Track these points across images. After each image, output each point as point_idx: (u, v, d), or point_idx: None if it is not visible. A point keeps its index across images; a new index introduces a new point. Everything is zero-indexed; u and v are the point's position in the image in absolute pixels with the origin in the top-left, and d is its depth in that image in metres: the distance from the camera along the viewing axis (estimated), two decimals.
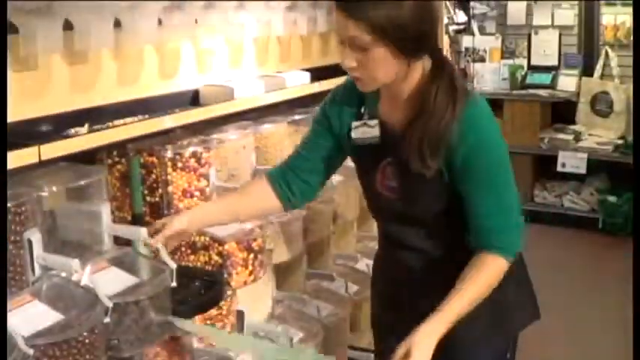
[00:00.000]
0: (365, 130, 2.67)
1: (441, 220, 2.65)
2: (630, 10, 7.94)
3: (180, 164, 3.01)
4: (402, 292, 2.81)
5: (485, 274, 2.53)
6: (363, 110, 2.70)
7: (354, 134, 2.69)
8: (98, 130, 2.79)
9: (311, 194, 2.88)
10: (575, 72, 8.27)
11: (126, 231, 2.79)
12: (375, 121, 2.65)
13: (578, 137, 7.95)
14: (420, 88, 2.53)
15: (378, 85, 2.55)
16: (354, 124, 2.69)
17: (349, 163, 2.94)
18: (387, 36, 2.39)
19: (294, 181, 2.79)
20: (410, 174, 2.55)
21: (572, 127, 8.13)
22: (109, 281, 2.49)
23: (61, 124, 2.73)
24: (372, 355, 3.39)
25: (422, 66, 2.53)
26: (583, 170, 7.82)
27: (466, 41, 8.30)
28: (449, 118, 2.46)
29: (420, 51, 2.48)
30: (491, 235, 2.55)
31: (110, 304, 2.34)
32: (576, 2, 8.32)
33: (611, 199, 7.70)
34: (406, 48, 2.43)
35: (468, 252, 2.56)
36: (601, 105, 8.04)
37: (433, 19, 2.48)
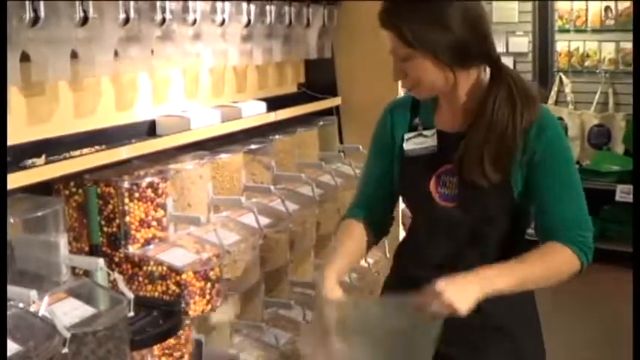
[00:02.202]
0: (420, 141, 2.62)
1: (498, 226, 2.56)
2: (583, 37, 8.07)
3: (137, 194, 3.01)
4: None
5: (553, 260, 2.45)
6: (417, 121, 2.66)
7: (406, 146, 2.65)
8: (55, 161, 2.80)
9: (384, 227, 2.84)
10: None
11: (83, 262, 2.80)
12: (432, 131, 2.61)
13: None
14: (478, 97, 2.51)
15: (431, 93, 2.55)
16: (407, 135, 2.65)
17: (305, 191, 2.97)
18: (422, 47, 2.39)
19: (372, 216, 2.75)
20: (469, 181, 2.50)
21: None
22: (66, 312, 2.49)
23: (18, 155, 2.72)
24: None
25: (478, 74, 2.51)
26: None
27: None
28: (511, 131, 2.44)
29: (466, 60, 2.46)
30: (568, 232, 2.46)
31: (68, 335, 2.34)
32: (530, 29, 8.41)
33: None
34: (447, 57, 2.41)
35: None
36: None
37: (477, 27, 2.45)
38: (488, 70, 2.52)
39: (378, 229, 2.78)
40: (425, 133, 2.61)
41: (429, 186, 2.59)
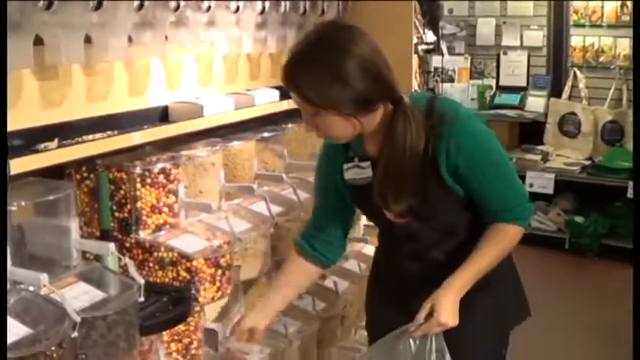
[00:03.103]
0: (357, 172, 2.80)
1: (453, 222, 2.81)
2: (599, 32, 8.02)
3: (149, 180, 3.01)
4: (404, 294, 2.91)
5: (502, 242, 2.73)
6: (351, 152, 2.80)
7: (346, 176, 2.83)
8: (67, 145, 2.79)
9: (340, 249, 3.07)
10: (544, 93, 8.32)
11: (94, 246, 2.80)
12: (366, 163, 2.77)
13: (545, 158, 7.98)
14: (386, 127, 2.63)
15: (346, 139, 2.67)
16: (345, 166, 2.82)
17: (312, 178, 2.99)
18: (325, 105, 2.50)
19: (319, 244, 2.98)
20: (423, 195, 2.68)
21: (540, 147, 8.17)
22: (77, 296, 2.50)
23: (30, 139, 2.72)
24: None
25: (383, 110, 2.62)
26: (550, 190, 7.85)
27: (435, 61, 8.31)
28: (411, 154, 2.60)
29: (369, 107, 2.57)
30: (508, 213, 2.72)
31: (78, 319, 2.34)
32: (545, 23, 8.37)
33: (578, 219, 7.73)
34: (351, 110, 2.52)
35: (467, 254, 2.72)
36: (569, 126, 8.09)
37: (376, 75, 2.53)
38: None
39: (324, 256, 3.00)
40: (361, 164, 2.79)
41: (380, 209, 2.80)
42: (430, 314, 2.66)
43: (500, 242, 2.73)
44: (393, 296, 3.00)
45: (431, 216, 2.78)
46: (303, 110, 2.59)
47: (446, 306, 2.64)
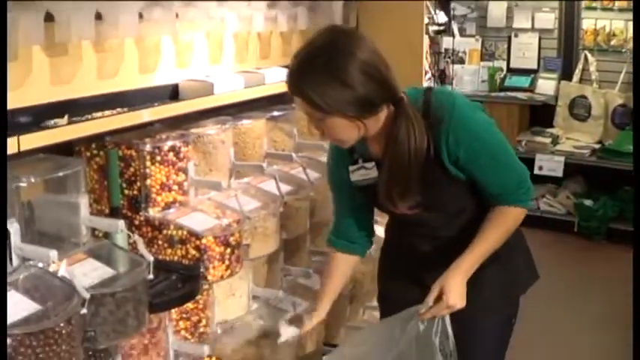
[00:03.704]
0: (362, 173, 2.86)
1: (461, 208, 2.87)
2: (610, 15, 7.98)
3: (158, 158, 3.00)
4: (416, 269, 3.00)
5: (505, 224, 2.80)
6: (356, 154, 2.85)
7: (352, 177, 2.88)
8: (77, 122, 2.78)
9: (370, 234, 3.18)
10: (554, 75, 8.28)
11: (103, 223, 2.80)
12: (371, 164, 2.83)
13: (555, 141, 7.96)
14: (389, 125, 2.68)
15: (351, 143, 2.71)
16: (351, 168, 2.87)
17: (322, 158, 3.00)
18: (331, 110, 2.54)
19: (347, 234, 3.10)
20: (431, 187, 2.74)
21: (550, 130, 8.15)
22: (86, 273, 2.50)
23: (40, 116, 2.72)
24: None
25: (386, 111, 2.66)
26: (560, 173, 7.84)
27: (446, 42, 8.30)
28: (415, 152, 2.65)
29: (373, 110, 2.61)
30: (510, 196, 2.78)
31: (87, 296, 2.34)
32: (556, 6, 8.33)
33: (587, 202, 7.72)
34: (356, 113, 2.57)
35: (475, 230, 2.80)
36: (579, 109, 8.06)
37: (378, 78, 2.57)
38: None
39: (361, 245, 3.16)
40: (366, 165, 2.85)
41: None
42: (439, 297, 2.73)
43: (503, 224, 2.80)
44: (405, 271, 3.07)
45: (439, 206, 2.85)
46: (309, 115, 2.64)
47: (454, 289, 2.73)
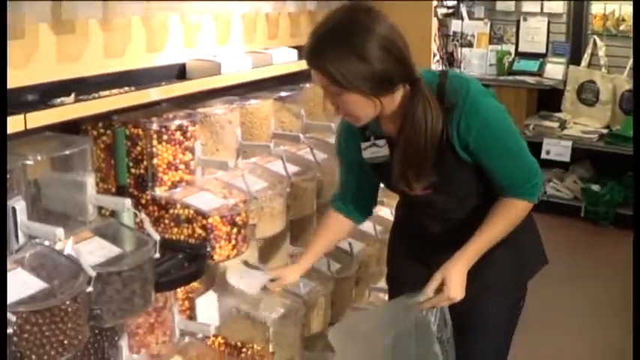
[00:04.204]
0: (374, 150, 2.87)
1: (471, 191, 2.87)
2: (619, 0, 7.95)
3: (165, 137, 3.00)
4: (425, 249, 3.02)
5: (510, 216, 2.81)
6: (368, 131, 2.85)
7: (364, 154, 2.89)
8: (84, 100, 2.77)
9: (369, 210, 3.24)
10: (563, 60, 8.28)
11: (110, 202, 2.79)
12: (383, 141, 2.84)
13: (563, 125, 7.96)
14: (403, 107, 2.68)
15: (366, 120, 2.71)
16: (363, 145, 2.88)
17: (334, 140, 2.99)
18: (349, 85, 2.54)
19: (351, 202, 3.14)
20: (441, 170, 2.75)
21: (558, 114, 8.14)
22: (92, 251, 2.50)
23: (47, 94, 2.71)
24: None
25: (402, 91, 2.67)
26: (567, 158, 7.84)
27: (454, 25, 8.28)
28: (430, 128, 2.65)
29: (390, 87, 2.61)
30: (518, 188, 2.78)
31: (93, 274, 2.34)
32: None
33: (595, 187, 7.72)
34: (374, 90, 2.57)
35: (485, 213, 2.82)
36: (587, 94, 8.05)
37: (397, 56, 2.57)
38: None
39: (361, 214, 3.20)
40: (377, 142, 2.86)
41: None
42: (439, 287, 2.78)
43: (508, 217, 2.81)
44: (415, 252, 3.08)
45: (450, 189, 2.85)
46: (325, 90, 2.63)
47: (455, 280, 2.77)
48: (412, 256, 3.09)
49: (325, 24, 2.60)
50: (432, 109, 2.64)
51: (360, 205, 3.15)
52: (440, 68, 7.80)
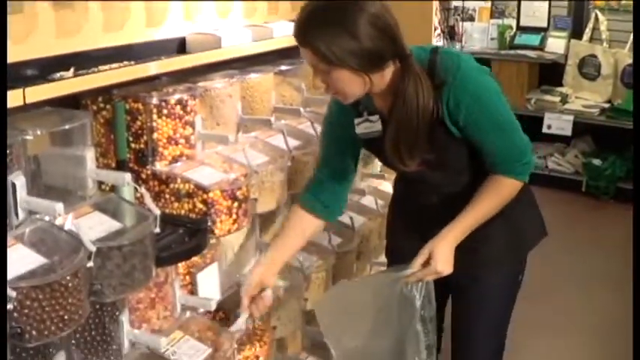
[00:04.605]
0: (367, 125, 2.86)
1: (464, 166, 2.88)
2: None
3: (165, 111, 2.98)
4: (422, 222, 3.01)
5: (500, 193, 2.82)
6: (361, 107, 2.84)
7: (357, 130, 2.88)
8: (84, 74, 2.76)
9: (342, 203, 3.16)
10: (564, 34, 8.26)
11: (110, 176, 2.78)
12: (376, 117, 2.84)
13: (564, 99, 7.95)
14: (394, 84, 2.69)
15: (355, 98, 2.71)
16: (356, 120, 2.87)
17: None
18: (339, 62, 2.54)
19: (324, 195, 3.06)
20: (433, 146, 2.75)
21: (559, 89, 8.13)
22: (92, 226, 2.49)
23: (46, 69, 2.70)
24: None
25: (392, 68, 2.67)
26: (568, 132, 7.84)
27: None
28: (421, 106, 2.66)
29: (380, 65, 2.62)
30: (508, 166, 2.80)
31: (93, 249, 2.33)
32: None
33: (596, 162, 7.72)
34: (363, 67, 2.57)
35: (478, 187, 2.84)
36: (589, 68, 8.03)
37: (387, 33, 2.58)
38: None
39: (328, 208, 3.09)
40: (370, 118, 2.86)
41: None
42: (426, 262, 2.80)
43: (497, 194, 2.82)
44: (412, 225, 3.09)
45: (443, 164, 2.87)
46: (315, 67, 2.64)
47: (442, 255, 2.79)
48: (410, 230, 3.10)
49: (314, 3, 2.60)
50: (423, 86, 2.65)
51: (333, 200, 3.09)
52: (441, 42, 7.79)
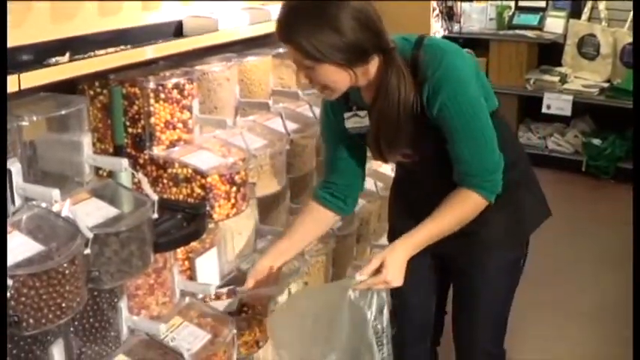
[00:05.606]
0: (356, 120, 2.86)
1: (448, 159, 2.80)
2: None
3: (162, 95, 2.96)
4: (421, 206, 2.93)
5: (461, 208, 2.78)
6: (350, 102, 2.86)
7: (347, 124, 2.89)
8: (79, 59, 2.74)
9: (356, 193, 3.16)
10: (563, 14, 8.22)
11: (107, 162, 2.76)
12: (364, 112, 2.84)
13: (564, 79, 7.92)
14: (378, 78, 2.68)
15: (340, 92, 2.70)
16: (345, 115, 2.88)
17: None
18: (322, 58, 2.54)
19: (337, 190, 3.07)
20: (417, 140, 2.76)
21: (559, 69, 8.11)
22: (89, 212, 2.47)
23: (41, 54, 2.68)
24: None
25: (376, 61, 2.67)
26: (568, 112, 7.82)
27: None
28: (402, 99, 2.66)
29: (364, 58, 2.62)
30: (472, 179, 2.75)
31: (91, 236, 2.31)
32: None
33: (595, 141, 7.70)
34: (347, 61, 2.57)
35: None
36: (588, 48, 8.01)
37: (370, 27, 2.57)
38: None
39: (343, 202, 3.10)
40: (359, 113, 2.86)
41: None
42: (378, 270, 2.74)
43: (460, 209, 2.79)
44: (412, 208, 3.05)
45: (429, 157, 2.86)
46: (298, 64, 2.63)
47: (393, 266, 2.73)
48: (410, 213, 3.06)
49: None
50: (406, 80, 2.65)
51: (347, 194, 3.09)
52: (439, 23, 7.76)
